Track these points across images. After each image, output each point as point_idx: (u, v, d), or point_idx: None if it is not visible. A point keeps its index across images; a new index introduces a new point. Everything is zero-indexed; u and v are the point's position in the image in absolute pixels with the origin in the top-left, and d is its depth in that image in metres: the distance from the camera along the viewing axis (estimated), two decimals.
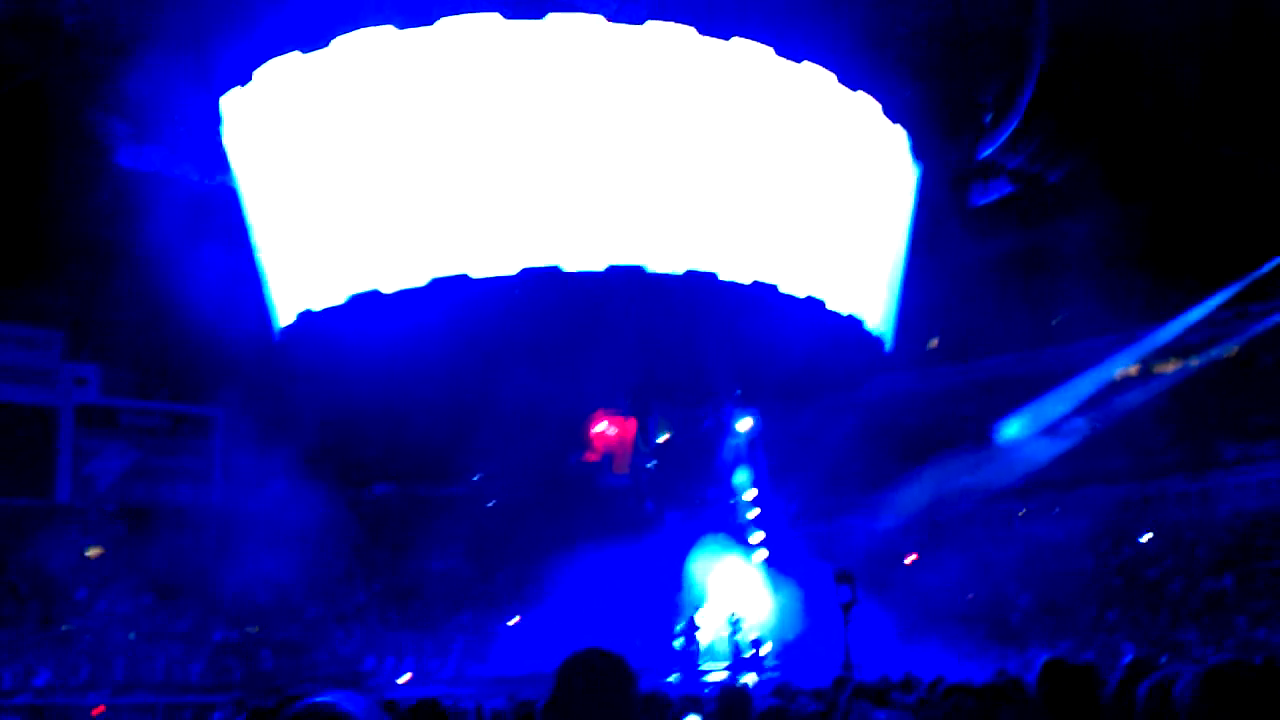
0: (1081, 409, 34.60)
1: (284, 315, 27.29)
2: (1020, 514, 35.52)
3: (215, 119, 27.01)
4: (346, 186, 25.18)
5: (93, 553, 33.27)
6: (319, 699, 2.13)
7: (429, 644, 31.45)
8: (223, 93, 26.18)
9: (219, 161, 28.56)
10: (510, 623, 30.19)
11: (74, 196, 29.95)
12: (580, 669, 2.77)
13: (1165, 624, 28.86)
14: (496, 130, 24.20)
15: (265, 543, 31.85)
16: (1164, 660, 20.60)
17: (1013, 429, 34.57)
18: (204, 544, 34.53)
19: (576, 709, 2.72)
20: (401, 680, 28.58)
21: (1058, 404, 34.58)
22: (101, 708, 24.66)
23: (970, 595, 31.51)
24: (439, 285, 24.45)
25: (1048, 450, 33.90)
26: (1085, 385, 34.76)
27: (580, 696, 2.72)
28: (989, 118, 31.86)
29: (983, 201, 34.89)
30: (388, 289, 24.85)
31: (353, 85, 24.69)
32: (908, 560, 34.10)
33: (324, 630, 31.61)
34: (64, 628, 29.42)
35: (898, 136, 27.79)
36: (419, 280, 24.52)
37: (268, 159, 26.59)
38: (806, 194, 25.93)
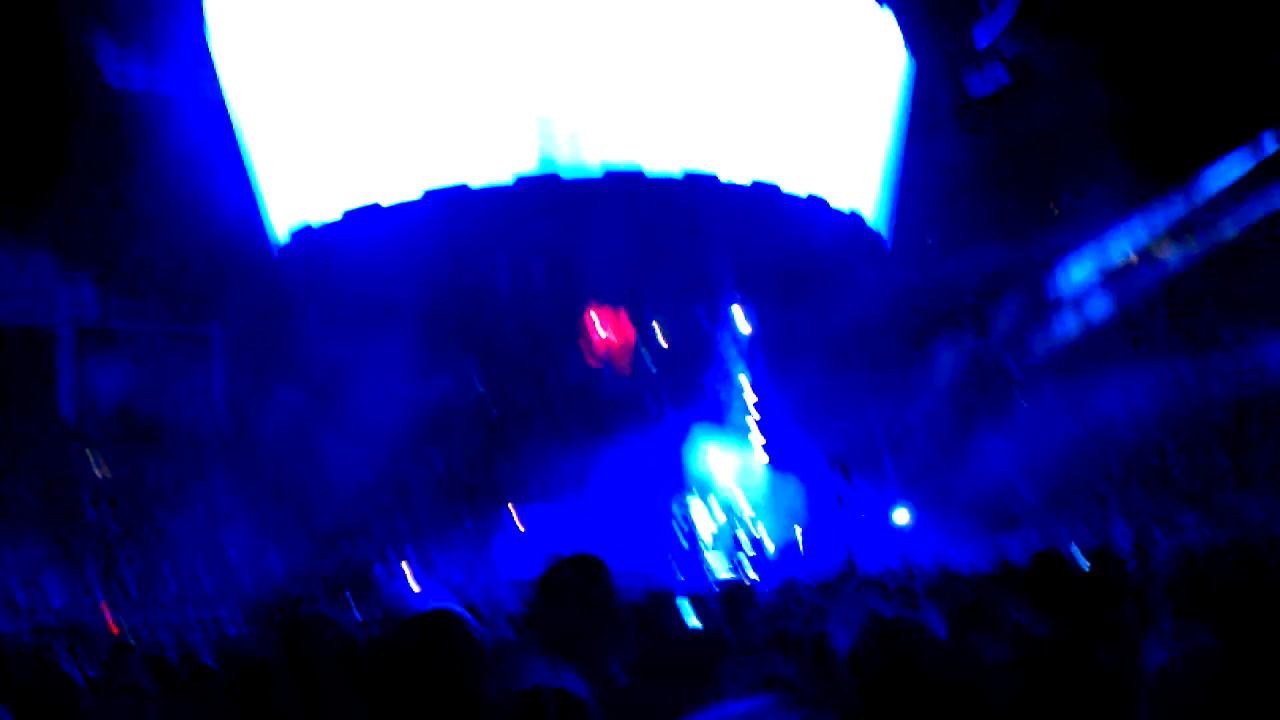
0: (1084, 292, 34.68)
1: (280, 230, 27.18)
2: (1019, 397, 35.67)
3: (202, 30, 26.67)
4: (338, 97, 24.95)
5: (100, 471, 33.49)
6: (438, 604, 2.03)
7: (435, 549, 31.77)
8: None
9: (209, 76, 28.26)
10: (515, 524, 30.47)
11: (65, 116, 29.66)
12: (559, 575, 2.85)
13: (1164, 505, 29.12)
14: (488, 33, 23.91)
15: (270, 455, 32.05)
16: (1162, 541, 20.87)
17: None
18: (210, 459, 34.74)
19: (558, 611, 2.78)
20: (410, 585, 28.91)
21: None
22: (116, 626, 24.96)
23: (971, 481, 31.75)
24: (436, 196, 24.33)
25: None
26: (1089, 266, 34.82)
27: (561, 600, 2.79)
28: (985, 3, 31.43)
29: (981, 92, 34.55)
30: (385, 201, 24.74)
31: None
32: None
33: (333, 539, 31.90)
34: (76, 549, 29.70)
35: (892, 26, 27.44)
36: (416, 192, 24.40)
37: (257, 71, 26.30)
38: (802, 89, 25.69)
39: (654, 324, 34.73)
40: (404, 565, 30.61)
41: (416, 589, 28.77)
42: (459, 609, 1.94)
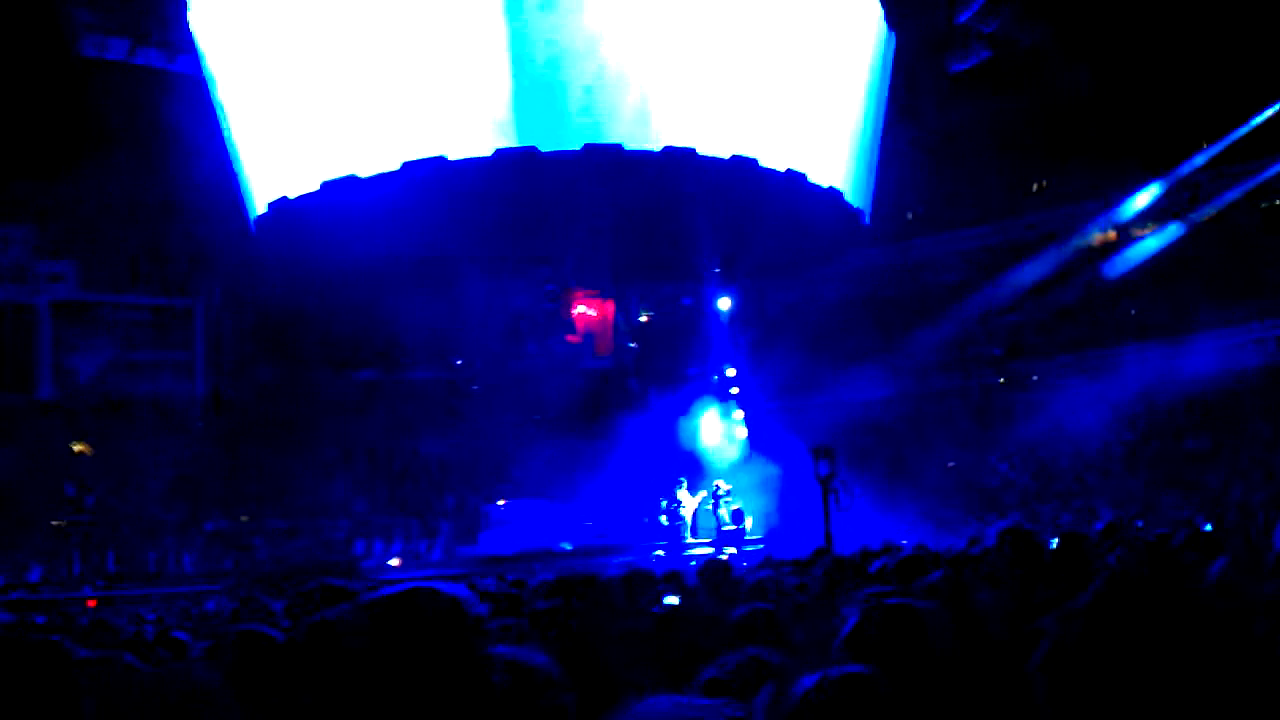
0: (1065, 271, 34.86)
1: (260, 203, 27.06)
2: (1000, 382, 35.82)
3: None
4: (318, 68, 24.80)
5: (79, 448, 33.34)
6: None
7: (417, 527, 31.75)
8: None
9: (188, 47, 28.08)
10: (498, 503, 30.50)
11: (41, 90, 29.43)
12: (398, 617, 2.17)
13: (1142, 486, 29.29)
14: (468, 5, 23.83)
15: (251, 432, 31.92)
16: (1139, 524, 20.99)
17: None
18: (190, 435, 34.61)
19: (393, 667, 2.09)
20: (392, 563, 28.92)
21: None
22: (94, 601, 24.90)
23: (951, 464, 31.88)
24: (414, 167, 24.22)
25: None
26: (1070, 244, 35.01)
27: (400, 652, 2.10)
28: None
29: (960, 68, 34.53)
30: (363, 173, 24.61)
31: None
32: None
33: (314, 517, 31.84)
34: (54, 523, 29.57)
35: (872, 2, 27.43)
36: (394, 163, 24.28)
37: (236, 41, 26.14)
38: (783, 64, 25.62)
39: (635, 302, 34.73)
40: (383, 542, 30.59)
41: (395, 563, 28.80)
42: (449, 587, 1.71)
